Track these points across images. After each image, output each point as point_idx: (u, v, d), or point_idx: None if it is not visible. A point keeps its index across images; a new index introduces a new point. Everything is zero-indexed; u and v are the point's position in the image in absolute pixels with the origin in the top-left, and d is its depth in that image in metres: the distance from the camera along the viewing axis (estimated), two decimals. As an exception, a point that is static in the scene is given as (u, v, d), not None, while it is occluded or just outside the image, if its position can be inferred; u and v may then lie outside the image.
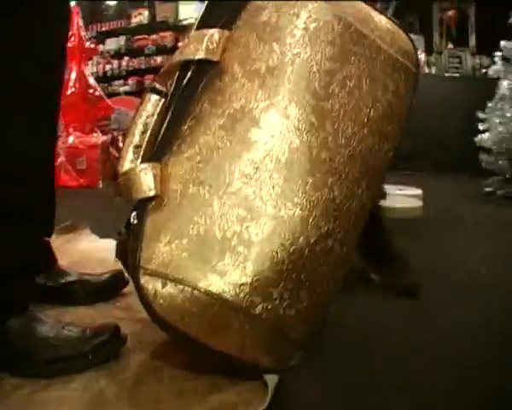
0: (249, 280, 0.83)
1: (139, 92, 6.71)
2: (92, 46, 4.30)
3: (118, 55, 7.47)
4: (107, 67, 7.45)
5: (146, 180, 0.85)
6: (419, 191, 3.11)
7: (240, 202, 0.83)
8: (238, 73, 0.86)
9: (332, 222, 0.86)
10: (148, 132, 0.89)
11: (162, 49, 6.77)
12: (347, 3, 0.90)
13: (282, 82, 0.85)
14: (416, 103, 0.97)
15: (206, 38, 0.87)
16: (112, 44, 7.50)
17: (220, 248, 0.82)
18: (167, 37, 6.79)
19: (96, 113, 4.04)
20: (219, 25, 0.88)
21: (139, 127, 0.89)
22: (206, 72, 0.87)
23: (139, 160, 0.88)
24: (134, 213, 0.86)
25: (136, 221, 0.85)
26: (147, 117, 0.89)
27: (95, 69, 7.40)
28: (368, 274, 1.53)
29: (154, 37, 6.99)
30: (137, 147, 0.89)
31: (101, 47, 7.56)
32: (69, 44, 4.06)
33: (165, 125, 0.89)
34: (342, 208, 0.87)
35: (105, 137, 4.01)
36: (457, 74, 5.21)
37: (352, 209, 0.89)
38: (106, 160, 3.80)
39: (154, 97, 0.90)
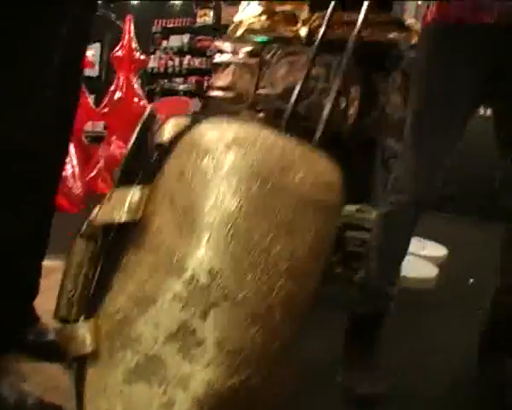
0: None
1: (197, 93, 6.90)
2: (142, 57, 4.36)
3: (180, 52, 7.59)
4: (169, 63, 7.58)
5: (82, 338, 0.88)
6: (442, 252, 2.90)
7: (159, 365, 0.84)
8: (161, 228, 0.87)
9: (253, 367, 0.86)
10: (80, 283, 0.92)
11: (224, 52, 6.87)
12: (267, 147, 0.89)
13: (198, 243, 0.85)
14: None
15: (127, 200, 0.88)
16: (175, 41, 7.62)
17: None
18: (230, 40, 6.85)
19: (139, 124, 4.08)
20: (140, 180, 0.90)
21: (72, 276, 0.92)
22: (129, 230, 0.89)
23: (74, 311, 0.91)
24: (75, 365, 0.90)
25: (76, 375, 0.89)
26: (77, 266, 0.92)
27: (156, 64, 7.54)
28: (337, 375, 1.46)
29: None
30: (72, 293, 0.93)
31: (164, 43, 7.69)
32: (119, 54, 4.17)
33: (96, 276, 0.91)
34: (263, 352, 0.87)
35: (145, 151, 4.06)
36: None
37: (273, 349, 0.89)
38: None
39: (83, 245, 0.93)
